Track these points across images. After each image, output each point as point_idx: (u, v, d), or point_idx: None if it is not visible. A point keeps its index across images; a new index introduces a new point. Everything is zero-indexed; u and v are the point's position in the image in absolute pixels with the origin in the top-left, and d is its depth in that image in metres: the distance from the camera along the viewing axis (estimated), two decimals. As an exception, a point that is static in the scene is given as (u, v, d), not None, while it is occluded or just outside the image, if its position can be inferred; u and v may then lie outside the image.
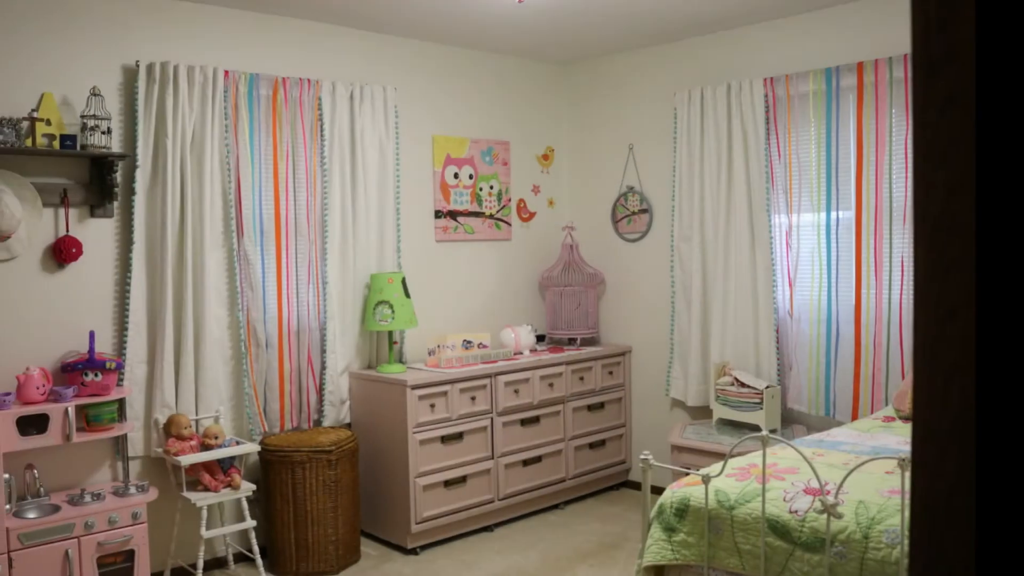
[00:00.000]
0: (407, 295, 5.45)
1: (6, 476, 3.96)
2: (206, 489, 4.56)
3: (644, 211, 6.32)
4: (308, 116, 5.21)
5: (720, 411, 5.45)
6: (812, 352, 5.30)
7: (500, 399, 5.56)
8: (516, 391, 5.65)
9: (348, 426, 5.46)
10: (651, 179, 6.29)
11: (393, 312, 5.33)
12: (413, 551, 5.19)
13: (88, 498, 4.19)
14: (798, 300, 5.38)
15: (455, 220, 6.11)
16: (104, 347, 4.48)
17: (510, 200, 6.46)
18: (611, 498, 6.23)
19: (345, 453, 4.94)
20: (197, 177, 4.71)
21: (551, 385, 5.87)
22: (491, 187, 6.32)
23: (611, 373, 6.30)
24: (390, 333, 5.50)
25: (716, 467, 3.47)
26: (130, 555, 4.20)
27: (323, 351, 5.31)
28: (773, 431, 5.05)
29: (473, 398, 5.42)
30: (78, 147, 4.27)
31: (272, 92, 5.05)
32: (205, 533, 4.47)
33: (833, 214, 5.16)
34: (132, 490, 4.33)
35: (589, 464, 6.14)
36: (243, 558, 4.98)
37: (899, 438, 4.10)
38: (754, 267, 5.55)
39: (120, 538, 4.16)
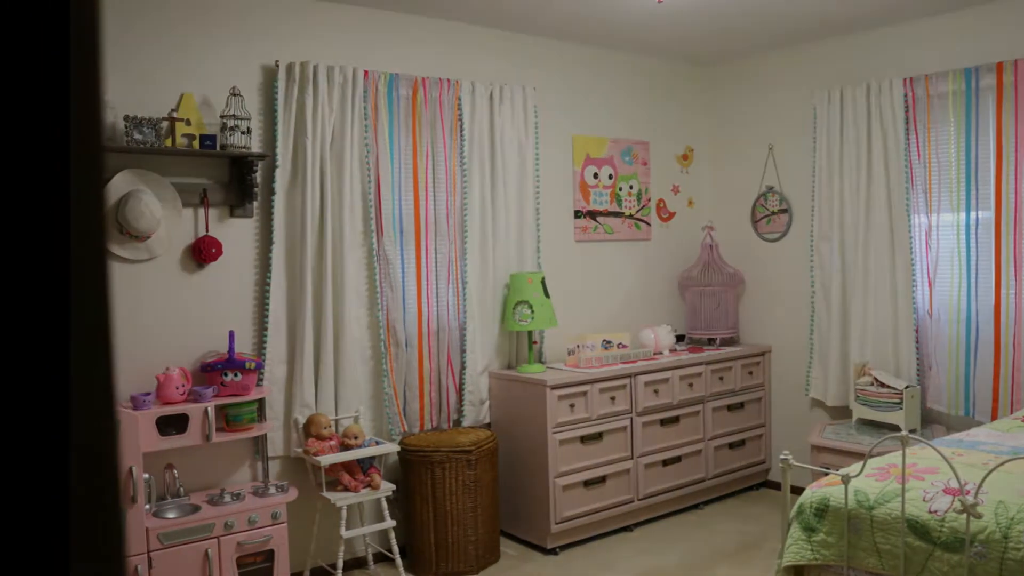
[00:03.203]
0: (547, 295, 4.66)
1: (146, 476, 3.40)
2: (346, 489, 3.87)
3: (784, 211, 5.44)
4: (448, 116, 4.46)
5: (860, 411, 4.74)
6: (952, 352, 4.64)
7: (640, 399, 4.74)
8: (656, 391, 4.82)
9: (488, 426, 4.67)
10: (790, 179, 5.41)
11: (533, 312, 4.58)
12: (553, 551, 4.43)
13: (228, 498, 3.59)
14: (938, 300, 4.71)
15: (595, 220, 5.28)
16: (244, 347, 3.83)
17: (649, 200, 5.57)
18: (750, 498, 5.34)
19: (485, 453, 4.21)
20: (337, 177, 4.02)
21: (691, 385, 5.02)
22: (631, 187, 5.46)
23: (751, 373, 5.40)
24: (530, 333, 4.70)
25: (856, 467, 3.08)
26: (270, 555, 3.60)
27: (463, 351, 4.54)
28: (913, 431, 4.49)
29: (613, 398, 4.63)
30: (218, 147, 3.63)
31: (412, 92, 4.31)
32: (345, 533, 3.80)
33: (973, 214, 4.51)
34: (272, 490, 3.71)
35: (729, 464, 5.24)
36: (383, 558, 4.25)
37: (1039, 438, 3.60)
38: (893, 267, 4.82)
39: (260, 538, 3.57)
